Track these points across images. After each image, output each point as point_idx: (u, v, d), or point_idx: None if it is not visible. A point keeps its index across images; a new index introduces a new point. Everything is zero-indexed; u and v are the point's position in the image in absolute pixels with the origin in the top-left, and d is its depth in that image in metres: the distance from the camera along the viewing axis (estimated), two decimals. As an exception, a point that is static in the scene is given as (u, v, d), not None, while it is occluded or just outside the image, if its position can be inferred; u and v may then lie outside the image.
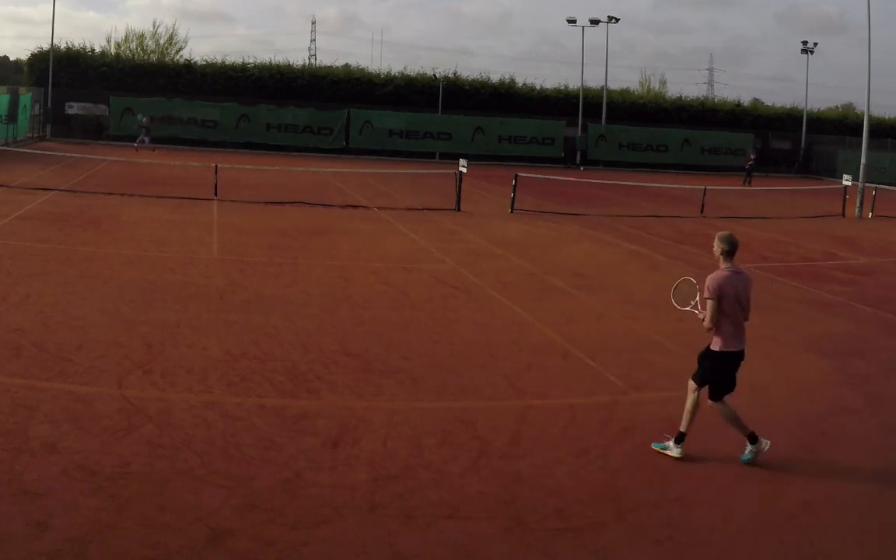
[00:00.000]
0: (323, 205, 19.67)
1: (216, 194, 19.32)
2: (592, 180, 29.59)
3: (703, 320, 6.02)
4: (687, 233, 18.92)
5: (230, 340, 8.11)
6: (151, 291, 9.93)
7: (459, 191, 20.58)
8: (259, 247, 13.58)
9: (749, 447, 5.95)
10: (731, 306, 5.91)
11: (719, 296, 5.87)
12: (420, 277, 11.98)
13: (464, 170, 20.99)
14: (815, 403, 7.46)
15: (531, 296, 11.13)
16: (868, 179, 26.41)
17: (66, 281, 10.18)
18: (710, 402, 5.99)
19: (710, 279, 5.94)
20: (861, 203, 25.17)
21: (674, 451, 5.96)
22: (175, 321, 8.68)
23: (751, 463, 5.91)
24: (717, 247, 6.06)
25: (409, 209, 20.28)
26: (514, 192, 21.16)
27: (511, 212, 20.59)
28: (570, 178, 30.02)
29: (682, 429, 6.01)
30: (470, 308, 10.28)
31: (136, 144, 33.98)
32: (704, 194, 23.21)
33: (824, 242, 18.98)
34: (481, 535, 4.76)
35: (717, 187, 27.34)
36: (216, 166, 19.98)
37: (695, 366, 6.11)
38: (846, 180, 25.53)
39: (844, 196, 25.19)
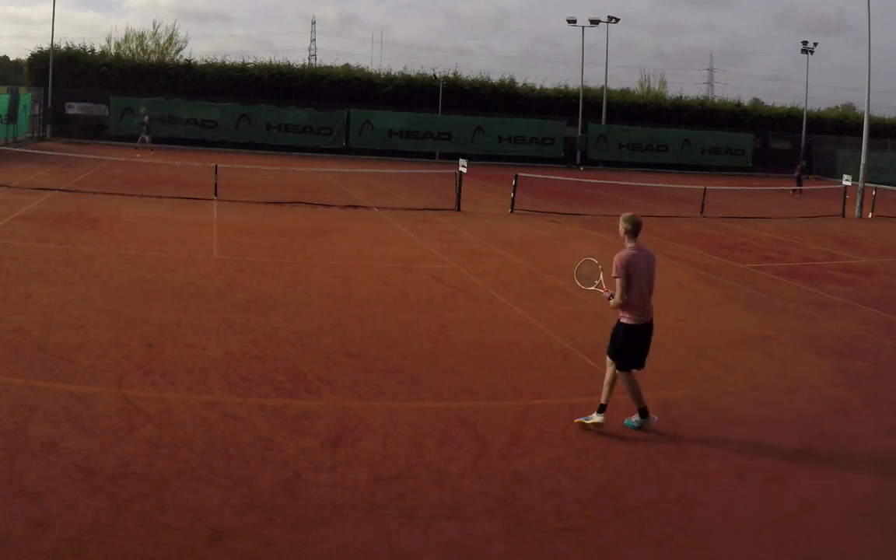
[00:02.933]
0: (323, 205, 19.68)
1: (216, 194, 19.32)
2: (592, 180, 29.59)
3: (610, 299, 6.44)
4: (687, 233, 18.93)
5: (230, 340, 8.11)
6: (151, 291, 9.93)
7: (459, 191, 20.58)
8: (259, 247, 13.58)
9: (637, 417, 6.40)
10: (639, 282, 6.28)
11: (628, 273, 6.23)
12: (420, 277, 11.98)
13: (464, 170, 20.99)
14: (815, 403, 7.45)
15: (531, 296, 11.13)
16: (868, 179, 26.42)
17: (66, 281, 10.18)
18: (617, 372, 6.37)
19: (618, 258, 6.31)
20: (861, 203, 25.18)
21: (596, 418, 6.33)
22: (175, 321, 8.68)
23: (634, 428, 6.37)
24: (622, 226, 6.43)
25: (409, 209, 20.28)
26: (514, 192, 21.16)
27: (511, 212, 20.59)
28: (570, 178, 30.03)
29: (602, 401, 6.39)
30: (470, 308, 10.28)
31: (137, 144, 33.84)
32: (704, 194, 23.22)
33: (824, 242, 18.98)
34: (481, 535, 4.76)
35: (717, 187, 27.36)
36: (216, 166, 19.99)
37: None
38: (846, 180, 25.55)
39: (844, 196, 25.21)
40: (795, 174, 34.44)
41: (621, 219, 6.48)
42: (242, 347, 7.91)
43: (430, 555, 4.54)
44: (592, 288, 6.80)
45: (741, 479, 5.74)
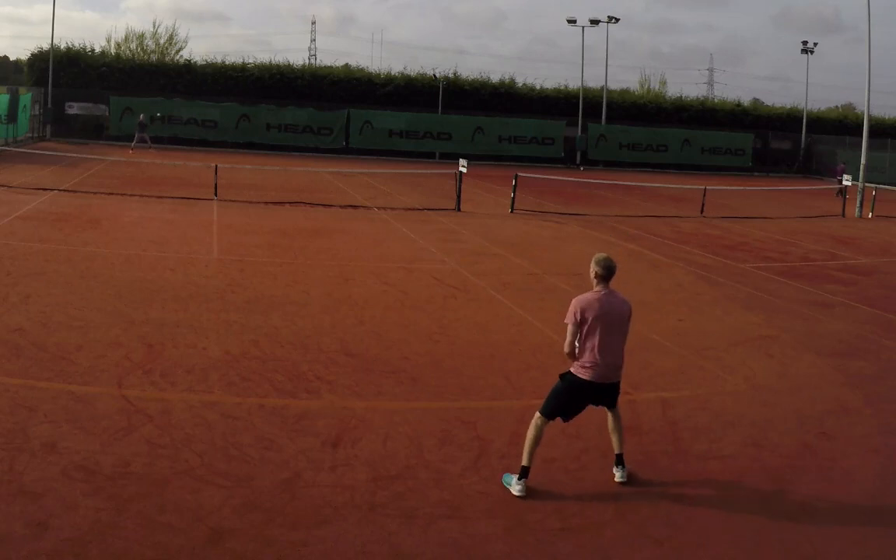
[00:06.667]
0: (323, 205, 19.68)
1: (216, 194, 19.32)
2: (592, 180, 29.61)
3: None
4: (687, 233, 18.92)
5: (230, 340, 8.10)
6: (151, 291, 9.93)
7: (459, 191, 20.58)
8: (259, 247, 13.58)
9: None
10: (599, 334, 5.29)
11: (580, 319, 5.32)
12: (420, 277, 11.98)
13: (464, 170, 21.00)
14: (816, 403, 7.45)
15: (531, 296, 11.13)
16: (868, 180, 26.43)
17: (66, 281, 10.18)
18: (537, 413, 5.42)
19: (575, 300, 5.40)
20: (861, 203, 25.20)
21: (515, 487, 5.23)
22: (175, 321, 8.68)
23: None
24: (592, 268, 5.44)
25: (409, 209, 20.28)
26: (514, 192, 21.17)
27: (511, 212, 20.59)
28: (570, 178, 30.03)
29: (524, 463, 5.31)
30: (470, 308, 10.28)
31: (132, 145, 33.75)
32: (704, 194, 23.22)
33: (824, 242, 18.98)
34: (481, 535, 4.76)
35: (717, 187, 27.36)
36: (216, 166, 19.99)
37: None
38: (846, 180, 25.56)
39: (844, 196, 25.22)
40: (837, 176, 31.77)
41: (592, 260, 5.47)
42: (242, 347, 7.91)
43: (430, 555, 4.54)
44: None
45: (741, 480, 5.74)
